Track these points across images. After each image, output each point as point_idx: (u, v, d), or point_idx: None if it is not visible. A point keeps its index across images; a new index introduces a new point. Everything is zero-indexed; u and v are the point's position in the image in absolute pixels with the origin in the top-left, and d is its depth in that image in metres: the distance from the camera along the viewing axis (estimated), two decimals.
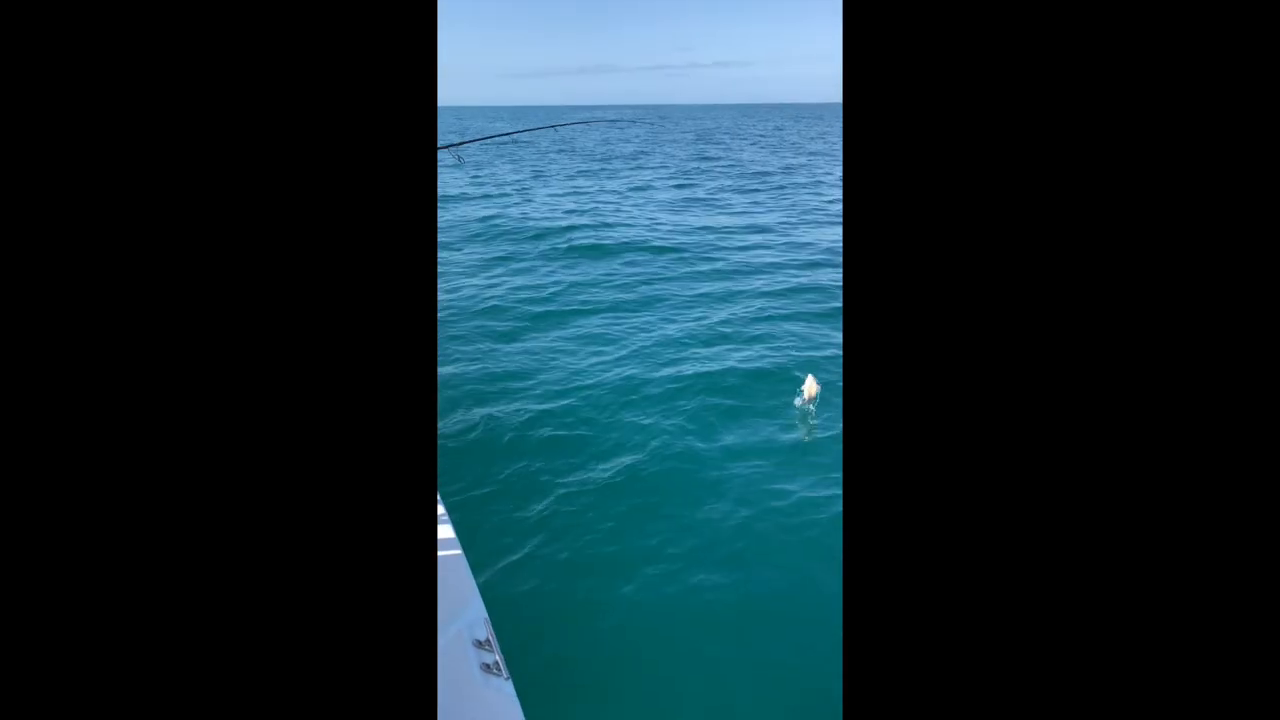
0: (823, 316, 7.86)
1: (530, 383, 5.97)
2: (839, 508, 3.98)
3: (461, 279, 9.51)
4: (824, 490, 4.27)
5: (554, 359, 6.52)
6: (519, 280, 9.44)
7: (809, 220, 14.30)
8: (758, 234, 12.75)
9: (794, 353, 6.64)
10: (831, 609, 3.27)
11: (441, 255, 10.85)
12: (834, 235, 12.50)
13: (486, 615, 2.31)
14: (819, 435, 5.02)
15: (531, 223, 13.58)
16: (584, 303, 8.47)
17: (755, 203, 16.77)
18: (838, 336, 7.02)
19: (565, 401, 5.58)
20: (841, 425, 4.80)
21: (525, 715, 2.00)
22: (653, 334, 7.27)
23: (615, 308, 8.29)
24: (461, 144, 3.47)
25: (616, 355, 6.65)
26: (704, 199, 17.52)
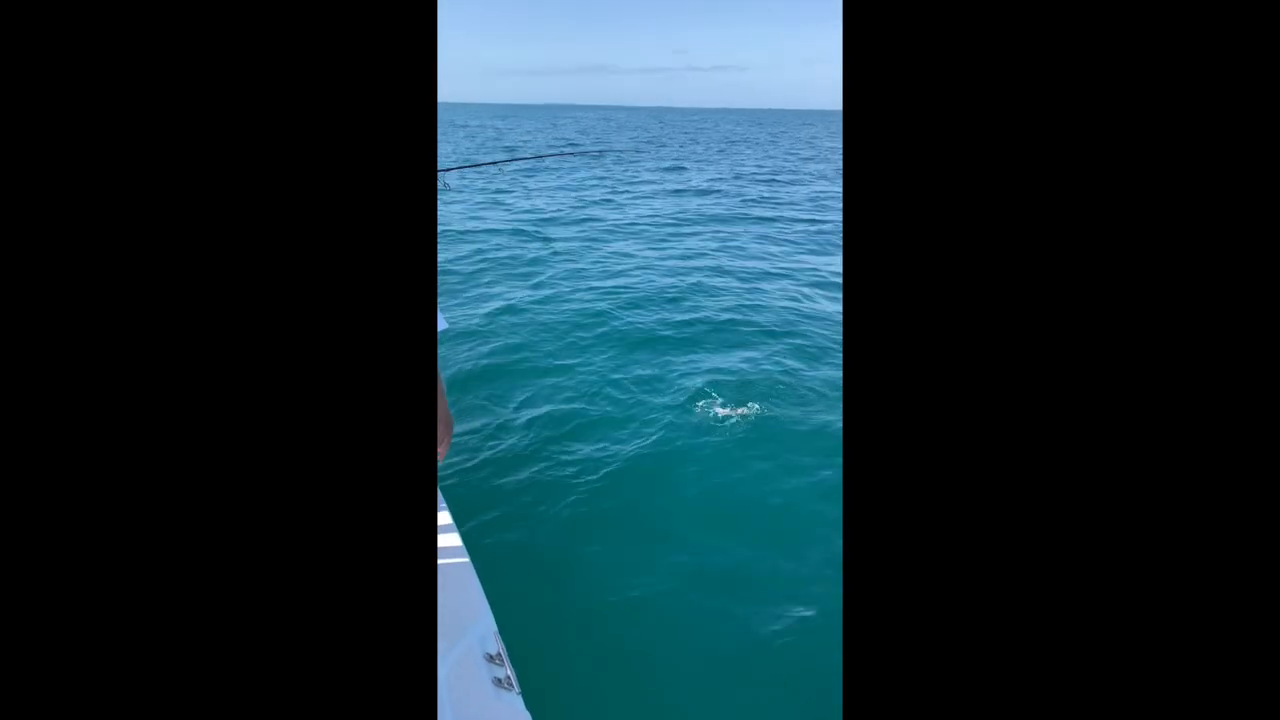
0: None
1: (536, 386, 5.94)
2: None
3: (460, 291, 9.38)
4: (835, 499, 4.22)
5: (569, 365, 6.48)
6: (521, 293, 9.24)
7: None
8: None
9: (796, 360, 6.65)
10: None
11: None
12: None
13: (496, 628, 2.26)
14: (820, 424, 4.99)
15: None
16: (589, 310, 8.32)
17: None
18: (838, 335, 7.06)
19: (573, 406, 5.56)
20: (841, 427, 4.80)
21: None
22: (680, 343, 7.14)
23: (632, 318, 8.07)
24: (449, 170, 3.43)
25: (631, 360, 6.62)
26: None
